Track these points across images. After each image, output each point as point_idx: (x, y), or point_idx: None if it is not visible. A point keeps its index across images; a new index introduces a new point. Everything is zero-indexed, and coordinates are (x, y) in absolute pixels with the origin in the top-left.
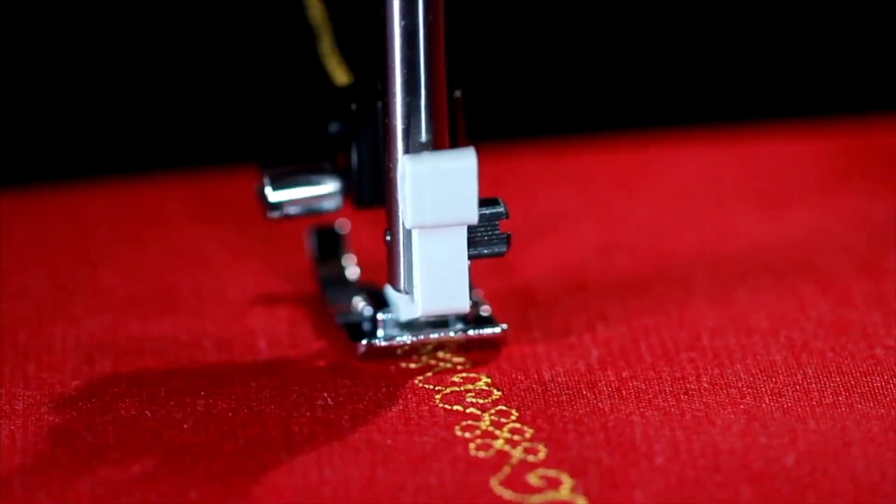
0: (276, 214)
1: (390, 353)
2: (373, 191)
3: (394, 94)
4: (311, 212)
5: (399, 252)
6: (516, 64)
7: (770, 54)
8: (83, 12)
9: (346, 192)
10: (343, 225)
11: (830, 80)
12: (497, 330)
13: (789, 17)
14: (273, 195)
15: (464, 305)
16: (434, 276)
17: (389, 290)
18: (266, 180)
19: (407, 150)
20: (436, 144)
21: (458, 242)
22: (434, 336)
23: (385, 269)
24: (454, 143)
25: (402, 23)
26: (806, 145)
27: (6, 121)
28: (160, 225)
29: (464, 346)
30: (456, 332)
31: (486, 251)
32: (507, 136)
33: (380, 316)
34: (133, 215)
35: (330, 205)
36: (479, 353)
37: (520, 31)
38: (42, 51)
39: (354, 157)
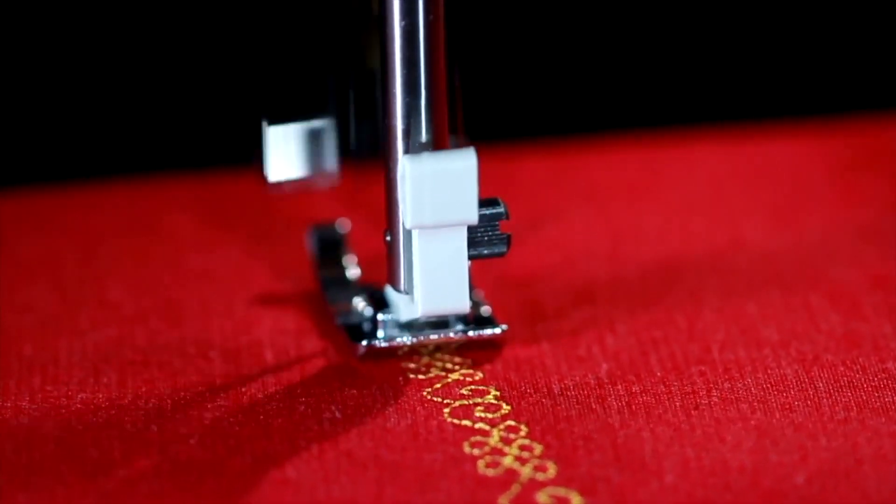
0: (275, 169)
1: (390, 353)
2: (369, 139)
3: (394, 95)
4: (311, 165)
5: (399, 252)
6: (520, 65)
7: (775, 53)
8: (85, 17)
9: (343, 142)
10: (343, 224)
11: (838, 79)
12: (497, 330)
13: (794, 16)
14: (271, 130)
15: (464, 306)
16: (434, 277)
17: (390, 291)
18: (264, 123)
19: (407, 151)
20: (436, 145)
21: (458, 243)
22: (434, 337)
23: (385, 270)
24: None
25: (402, 23)
26: (814, 145)
27: (8, 124)
28: (162, 229)
29: (464, 347)
30: (456, 333)
31: (486, 251)
32: (511, 137)
33: (380, 316)
34: (136, 219)
35: (328, 149)
36: (482, 355)
37: (523, 31)
38: (44, 55)
39: (350, 101)
